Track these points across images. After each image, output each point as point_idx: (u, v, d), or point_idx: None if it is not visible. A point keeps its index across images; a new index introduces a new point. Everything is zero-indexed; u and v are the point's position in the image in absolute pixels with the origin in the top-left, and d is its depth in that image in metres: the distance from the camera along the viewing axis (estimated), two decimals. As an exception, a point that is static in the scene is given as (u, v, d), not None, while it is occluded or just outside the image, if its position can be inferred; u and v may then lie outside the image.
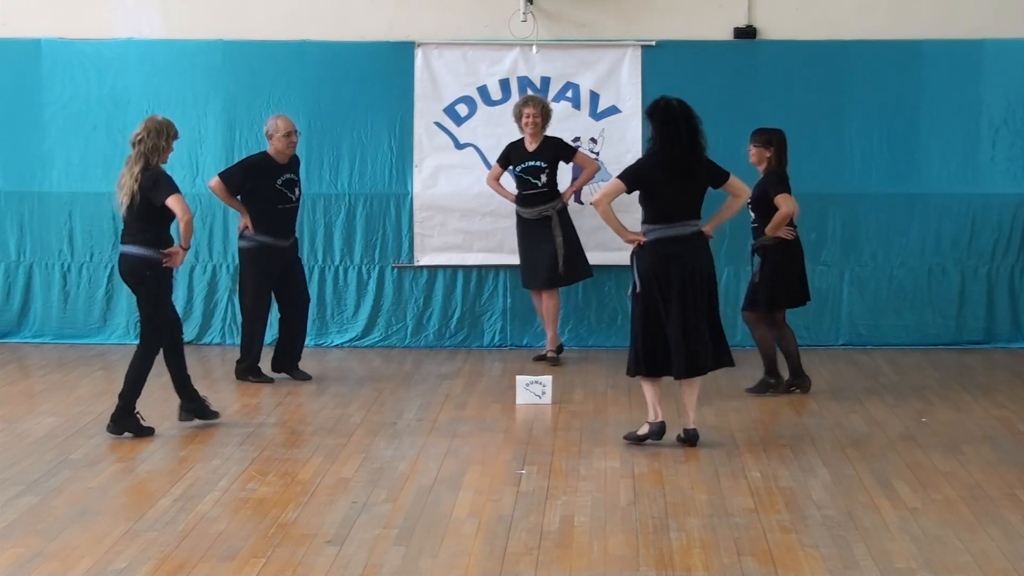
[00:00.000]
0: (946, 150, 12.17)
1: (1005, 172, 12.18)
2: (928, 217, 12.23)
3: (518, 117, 11.33)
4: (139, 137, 9.01)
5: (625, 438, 8.82)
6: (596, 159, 11.85)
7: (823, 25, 12.15)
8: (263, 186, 10.54)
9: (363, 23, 12.26)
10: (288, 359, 10.87)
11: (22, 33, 12.32)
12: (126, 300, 12.38)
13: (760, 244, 10.02)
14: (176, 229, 9.04)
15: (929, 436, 9.05)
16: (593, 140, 12.19)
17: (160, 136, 9.00)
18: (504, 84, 12.19)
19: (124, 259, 9.09)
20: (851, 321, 12.31)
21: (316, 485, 7.84)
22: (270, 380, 10.72)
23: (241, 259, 10.83)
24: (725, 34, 12.20)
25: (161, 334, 9.10)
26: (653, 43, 12.14)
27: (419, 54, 12.22)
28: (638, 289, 8.62)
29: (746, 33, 12.16)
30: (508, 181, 11.60)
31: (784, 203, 9.81)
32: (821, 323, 12.23)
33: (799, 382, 10.22)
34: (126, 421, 8.97)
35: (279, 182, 10.57)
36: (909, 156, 12.21)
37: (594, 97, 12.19)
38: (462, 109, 12.24)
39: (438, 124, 12.26)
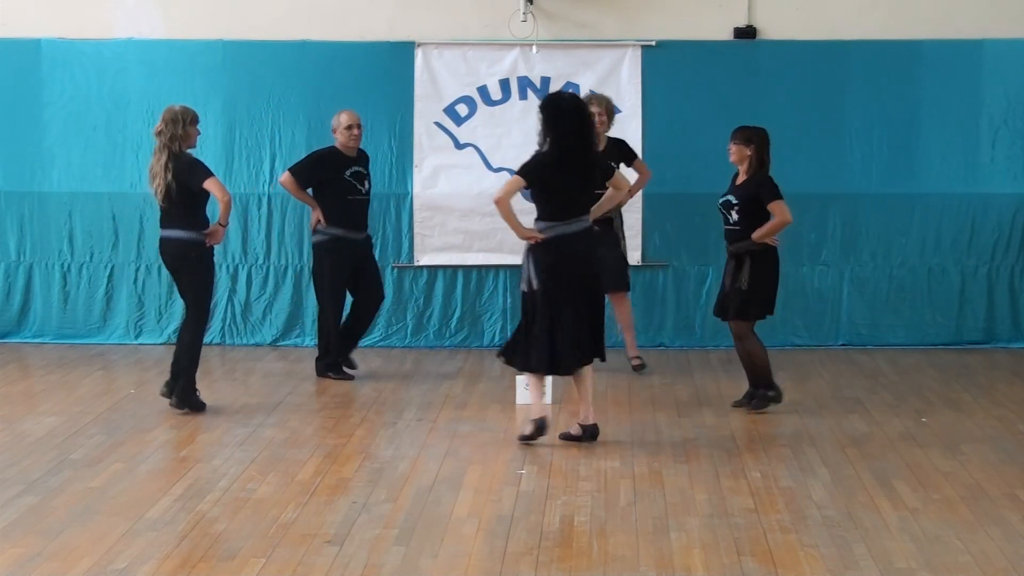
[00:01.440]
0: (946, 150, 12.17)
1: (1005, 172, 12.17)
2: (928, 217, 12.23)
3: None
4: (158, 129, 9.44)
5: (520, 438, 8.78)
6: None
7: (823, 25, 12.15)
8: (332, 178, 10.68)
9: (363, 23, 12.25)
10: (344, 356, 10.97)
11: (22, 33, 12.32)
12: (126, 300, 12.39)
13: (746, 249, 9.47)
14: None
15: (929, 436, 9.05)
16: (593, 140, 12.18)
17: (176, 124, 9.39)
18: (504, 84, 12.19)
19: (168, 243, 9.58)
20: (851, 321, 12.30)
21: (316, 485, 7.84)
22: (350, 377, 10.78)
23: (315, 254, 10.95)
24: (725, 34, 12.20)
25: (206, 308, 9.69)
26: (653, 43, 12.14)
27: (419, 54, 12.22)
28: (535, 286, 8.64)
29: (746, 33, 12.15)
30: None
31: (780, 212, 9.41)
32: (821, 323, 12.23)
33: (777, 393, 9.67)
34: (188, 397, 9.57)
35: (347, 174, 10.69)
36: (909, 156, 12.20)
37: (594, 97, 12.18)
38: (462, 109, 12.24)
39: (438, 124, 12.25)
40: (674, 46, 12.11)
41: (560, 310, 8.61)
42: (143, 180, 12.19)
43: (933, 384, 10.77)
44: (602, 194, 8.93)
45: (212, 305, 12.05)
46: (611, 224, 10.85)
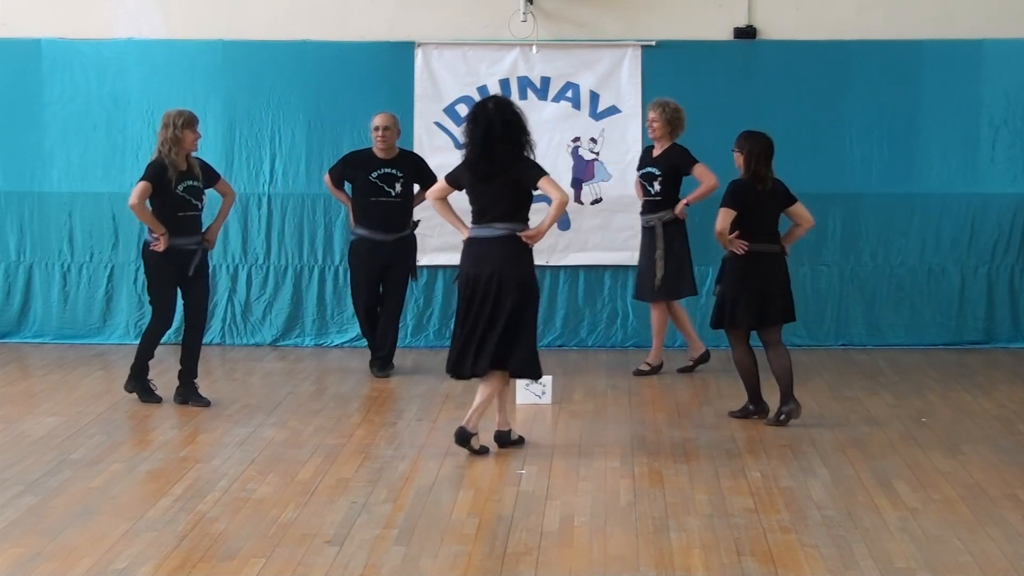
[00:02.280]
0: (946, 150, 12.17)
1: (1005, 172, 12.18)
2: (928, 217, 12.23)
3: (644, 119, 10.99)
4: (158, 131, 9.66)
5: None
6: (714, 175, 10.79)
7: (823, 25, 12.15)
8: (358, 178, 10.87)
9: (363, 23, 12.26)
10: (373, 358, 11.06)
11: (22, 33, 12.32)
12: (126, 300, 12.40)
13: (723, 257, 9.39)
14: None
15: (929, 436, 9.05)
16: (593, 140, 12.19)
17: (167, 128, 9.52)
18: (504, 84, 12.19)
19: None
20: (851, 321, 12.31)
21: (316, 485, 7.84)
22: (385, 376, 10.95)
23: (349, 251, 11.21)
24: (725, 34, 12.20)
25: (154, 310, 9.93)
26: (653, 43, 12.14)
27: (419, 54, 12.22)
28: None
29: (746, 33, 12.16)
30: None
31: (719, 218, 9.09)
32: (821, 323, 12.23)
33: (786, 407, 9.29)
34: (137, 384, 9.88)
35: (374, 175, 10.76)
36: (909, 156, 12.21)
37: (594, 97, 12.19)
38: (462, 109, 12.21)
39: (438, 124, 12.25)
40: (674, 46, 12.12)
41: (464, 313, 8.51)
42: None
43: (933, 384, 10.77)
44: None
45: (210, 308, 12.14)
46: (651, 232, 10.80)
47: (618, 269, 12.28)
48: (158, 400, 9.88)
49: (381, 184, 10.79)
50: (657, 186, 10.81)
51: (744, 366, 9.40)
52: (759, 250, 9.21)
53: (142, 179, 9.58)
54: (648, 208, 10.93)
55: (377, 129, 10.80)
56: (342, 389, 10.55)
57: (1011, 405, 10.03)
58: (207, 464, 8.31)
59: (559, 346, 12.26)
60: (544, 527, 7.10)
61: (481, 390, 8.55)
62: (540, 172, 8.45)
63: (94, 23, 12.30)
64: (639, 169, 11.08)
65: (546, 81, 12.19)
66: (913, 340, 12.24)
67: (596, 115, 12.21)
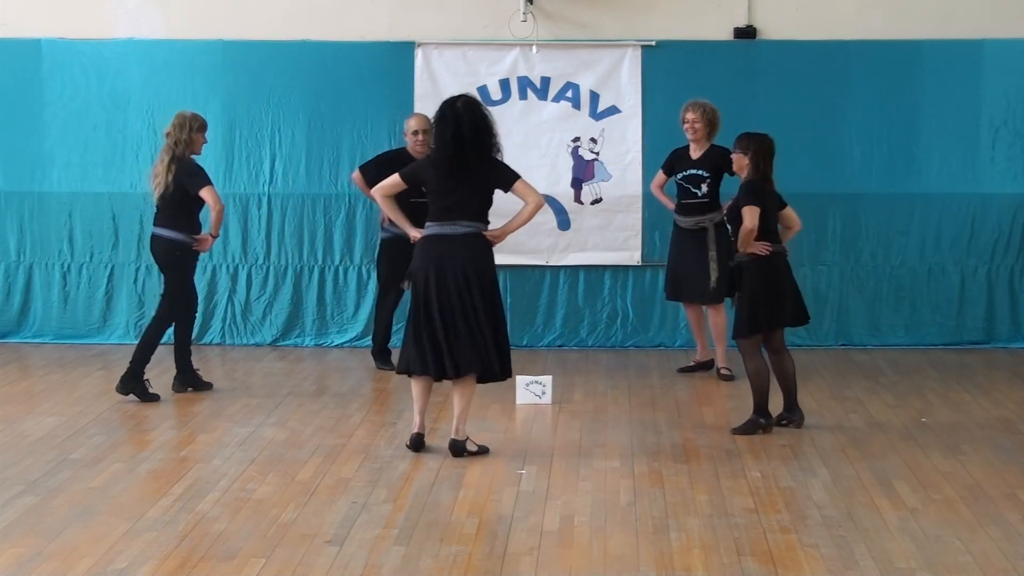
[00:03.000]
0: (946, 150, 12.17)
1: (1005, 172, 12.18)
2: (928, 217, 12.23)
3: (682, 123, 10.75)
4: (167, 131, 9.91)
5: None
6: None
7: (823, 25, 12.15)
8: None
9: (363, 23, 12.26)
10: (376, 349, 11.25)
11: (22, 33, 12.32)
12: (126, 300, 12.40)
13: (736, 262, 9.15)
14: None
15: (929, 436, 9.05)
16: (593, 140, 12.19)
17: (182, 130, 9.84)
18: (504, 84, 12.19)
19: (156, 240, 10.05)
20: (851, 321, 12.31)
21: (316, 485, 7.84)
22: (391, 369, 10.91)
23: (379, 250, 11.33)
24: (725, 34, 12.20)
25: (176, 309, 10.06)
26: (653, 43, 12.14)
27: (419, 54, 12.22)
28: (408, 285, 8.59)
29: (746, 33, 12.16)
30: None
31: (748, 216, 8.92)
32: (821, 323, 12.22)
33: (792, 416, 9.21)
34: (132, 384, 9.90)
35: None
36: (909, 156, 12.21)
37: (594, 97, 12.19)
38: (462, 109, 12.22)
39: (438, 124, 12.24)
40: (674, 46, 12.12)
41: (428, 312, 8.40)
42: (143, 180, 12.25)
43: (933, 384, 10.77)
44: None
45: (210, 308, 12.20)
46: (703, 233, 10.61)
47: (618, 269, 12.28)
48: (157, 398, 9.96)
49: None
50: (705, 187, 10.65)
51: (764, 374, 9.03)
52: (778, 251, 9.09)
53: (210, 182, 9.88)
54: (695, 210, 10.69)
55: (417, 133, 10.77)
56: (342, 389, 10.55)
57: (1011, 405, 10.03)
58: (207, 464, 8.31)
59: (559, 346, 12.26)
60: (544, 527, 7.10)
61: (459, 396, 8.46)
62: (515, 175, 8.44)
63: (94, 23, 12.31)
64: (677, 172, 10.81)
65: (546, 81, 12.19)
66: (913, 340, 12.24)
67: (596, 115, 12.21)
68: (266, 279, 12.36)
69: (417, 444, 8.56)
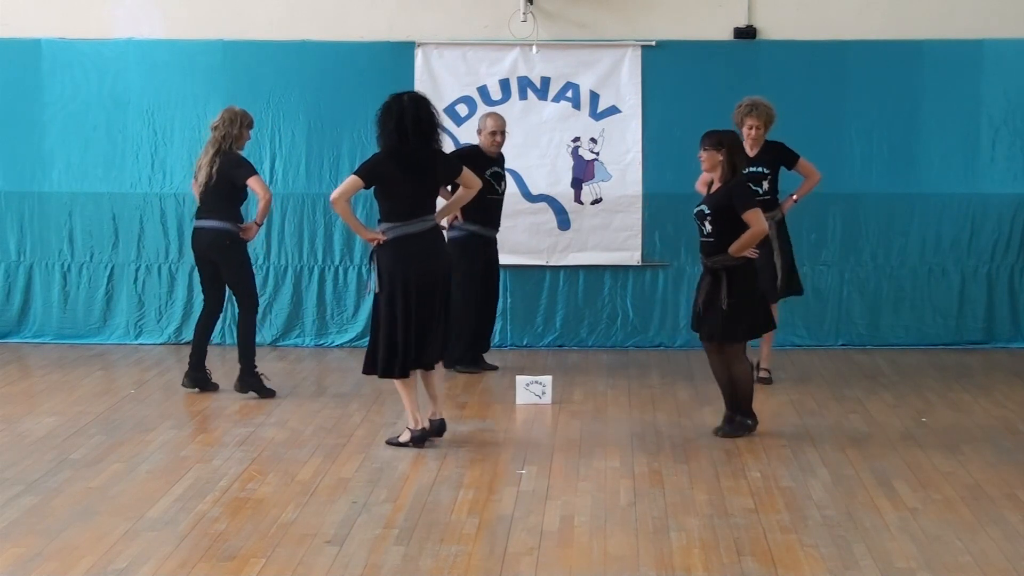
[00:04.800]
0: (946, 150, 12.17)
1: (1005, 172, 12.17)
2: (928, 217, 12.23)
3: (739, 125, 10.45)
4: (215, 124, 10.06)
5: (387, 442, 8.75)
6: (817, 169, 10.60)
7: (823, 25, 12.15)
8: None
9: (363, 23, 12.26)
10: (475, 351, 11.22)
11: (22, 33, 12.32)
12: (126, 300, 12.40)
13: (722, 264, 8.81)
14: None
15: (929, 436, 9.05)
16: (593, 140, 12.19)
17: (233, 125, 10.03)
18: (504, 84, 12.19)
19: (203, 233, 10.15)
20: (851, 321, 12.30)
21: (316, 485, 7.84)
22: (492, 368, 11.10)
23: (452, 250, 11.02)
24: (725, 34, 12.20)
25: (254, 294, 10.31)
26: (653, 43, 12.14)
27: (419, 54, 12.22)
28: (377, 289, 8.62)
29: (746, 33, 12.15)
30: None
31: (756, 221, 8.74)
32: (821, 323, 12.23)
33: (755, 420, 9.03)
34: (250, 380, 10.13)
35: (487, 173, 10.80)
36: (909, 156, 12.21)
37: (594, 97, 12.19)
38: (462, 109, 12.24)
39: (438, 124, 12.25)
40: (674, 46, 12.12)
41: (398, 312, 8.55)
42: (143, 180, 12.29)
43: (933, 384, 10.77)
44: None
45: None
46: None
47: (618, 269, 12.28)
48: (273, 393, 10.18)
49: (492, 182, 10.85)
50: (766, 185, 10.35)
51: (747, 379, 8.94)
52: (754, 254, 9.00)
53: (256, 172, 10.08)
54: (761, 208, 10.11)
55: (494, 134, 10.88)
56: (342, 389, 10.55)
57: (1011, 405, 10.03)
58: (207, 464, 8.31)
59: (559, 346, 12.26)
60: (544, 527, 7.10)
61: (438, 380, 8.87)
62: (461, 164, 8.82)
63: (94, 23, 12.30)
64: None
65: (546, 81, 12.19)
66: (913, 340, 12.24)
67: (596, 115, 12.21)
68: (266, 279, 12.36)
69: (420, 440, 8.64)
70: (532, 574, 6.43)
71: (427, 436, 8.66)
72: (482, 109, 12.17)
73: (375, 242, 8.63)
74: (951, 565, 6.53)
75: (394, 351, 8.58)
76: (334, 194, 8.66)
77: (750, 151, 10.28)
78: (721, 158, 8.85)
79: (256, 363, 10.17)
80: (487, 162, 10.87)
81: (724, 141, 8.88)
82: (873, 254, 12.28)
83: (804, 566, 6.52)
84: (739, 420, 8.99)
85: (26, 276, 12.48)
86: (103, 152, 12.31)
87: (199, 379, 10.30)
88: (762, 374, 10.45)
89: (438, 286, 8.63)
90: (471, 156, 10.79)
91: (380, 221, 8.66)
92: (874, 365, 11.52)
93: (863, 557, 6.62)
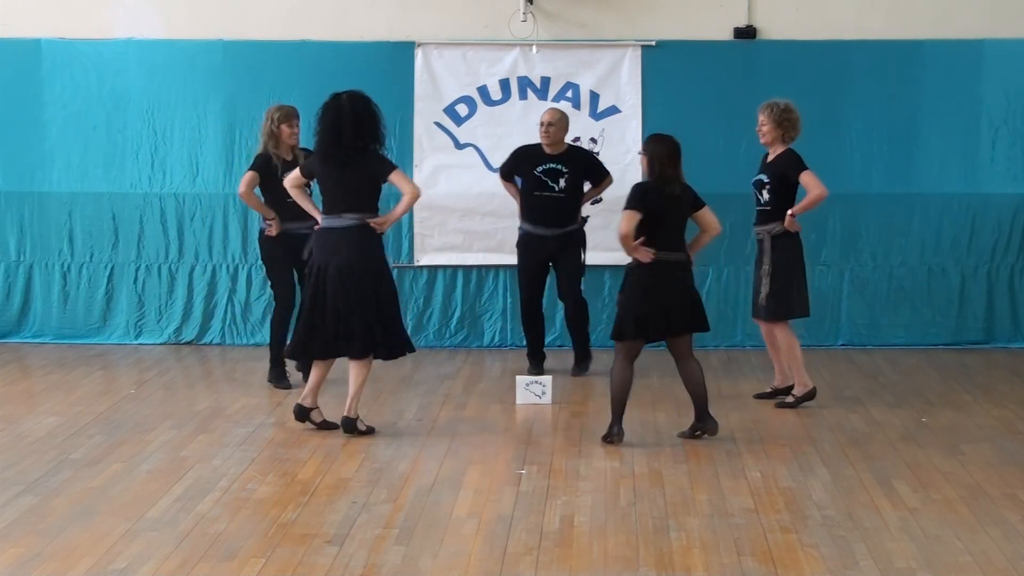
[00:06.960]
0: (946, 150, 12.17)
1: (1005, 172, 12.17)
2: (928, 217, 12.23)
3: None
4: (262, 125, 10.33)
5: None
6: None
7: (823, 25, 12.15)
8: (523, 172, 10.96)
9: (363, 23, 12.26)
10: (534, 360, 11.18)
11: (22, 33, 12.32)
12: (126, 300, 12.39)
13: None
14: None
15: (929, 436, 9.05)
16: (593, 140, 12.18)
17: (265, 122, 10.21)
18: (504, 84, 12.19)
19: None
20: (851, 321, 12.30)
21: (316, 485, 7.84)
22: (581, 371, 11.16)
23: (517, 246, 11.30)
24: (725, 34, 12.20)
25: (277, 294, 10.55)
26: (653, 43, 12.14)
27: (419, 54, 12.22)
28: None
29: (746, 33, 12.15)
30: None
31: (623, 221, 8.69)
32: (821, 323, 12.21)
33: (704, 424, 8.96)
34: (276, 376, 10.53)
35: (539, 170, 10.80)
36: (909, 156, 12.21)
37: (594, 97, 12.19)
38: (462, 109, 12.24)
39: (438, 124, 12.25)
40: (674, 46, 12.12)
41: (320, 301, 8.88)
42: (143, 180, 12.29)
43: (933, 384, 10.77)
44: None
45: (210, 308, 12.26)
46: (760, 245, 9.89)
47: (618, 269, 12.20)
48: (288, 387, 10.34)
49: (545, 179, 10.82)
50: (766, 195, 9.77)
51: (619, 382, 8.80)
52: (664, 258, 8.74)
53: (249, 169, 10.19)
54: (758, 219, 9.88)
55: (541, 125, 10.84)
56: (342, 389, 10.53)
57: (1011, 405, 10.03)
58: (207, 464, 8.31)
59: (559, 346, 12.24)
60: (544, 527, 7.10)
61: (352, 377, 8.93)
62: (391, 166, 8.91)
63: (94, 23, 12.30)
64: (756, 176, 10.04)
65: (546, 81, 12.19)
66: (913, 340, 12.24)
67: (596, 115, 12.20)
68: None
69: (300, 415, 9.06)
70: (532, 574, 6.43)
71: (305, 414, 9.05)
72: (482, 109, 12.20)
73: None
74: (951, 565, 6.53)
75: (304, 335, 8.97)
76: (287, 180, 9.18)
77: (769, 156, 9.88)
78: (646, 161, 8.87)
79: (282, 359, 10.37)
80: (539, 159, 10.84)
81: (648, 148, 8.93)
82: (873, 254, 12.28)
83: (804, 566, 6.52)
84: (609, 424, 8.87)
85: (26, 276, 12.47)
86: (103, 152, 12.31)
87: (278, 375, 10.58)
88: (788, 398, 9.90)
89: (344, 284, 8.80)
90: (521, 153, 10.92)
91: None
92: (874, 365, 11.52)
93: (863, 557, 6.62)
